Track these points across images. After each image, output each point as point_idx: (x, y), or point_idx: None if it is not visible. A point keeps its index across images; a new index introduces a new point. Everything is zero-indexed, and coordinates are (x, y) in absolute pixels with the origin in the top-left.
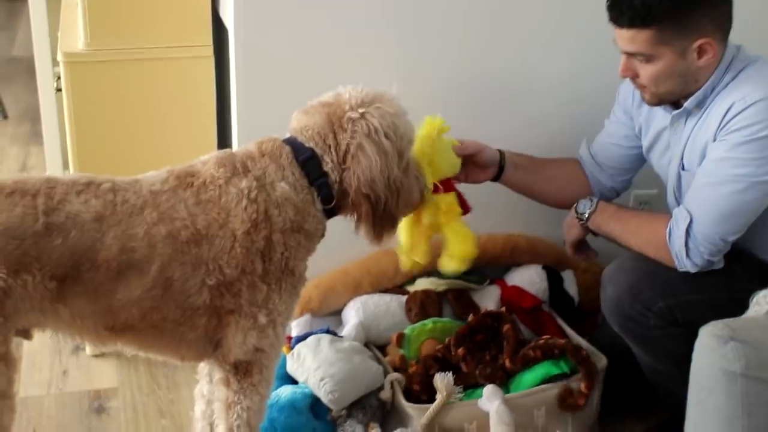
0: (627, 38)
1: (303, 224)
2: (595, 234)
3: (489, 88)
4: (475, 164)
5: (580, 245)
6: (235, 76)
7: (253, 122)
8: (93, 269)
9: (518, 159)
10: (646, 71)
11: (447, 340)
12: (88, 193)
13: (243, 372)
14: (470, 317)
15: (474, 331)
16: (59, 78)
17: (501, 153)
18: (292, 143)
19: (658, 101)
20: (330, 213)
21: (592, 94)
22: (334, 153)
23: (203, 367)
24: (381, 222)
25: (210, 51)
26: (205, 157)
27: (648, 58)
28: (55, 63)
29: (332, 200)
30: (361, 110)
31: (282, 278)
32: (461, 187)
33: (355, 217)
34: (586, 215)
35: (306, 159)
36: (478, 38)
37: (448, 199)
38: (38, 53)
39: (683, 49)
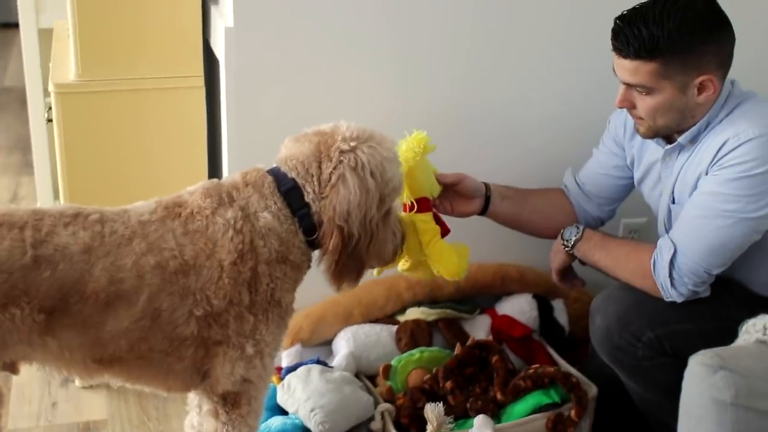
0: (629, 69)
1: (288, 255)
2: (582, 263)
3: (481, 114)
4: (459, 194)
5: (566, 273)
6: (226, 106)
7: (243, 152)
8: (82, 301)
9: (504, 190)
10: (644, 103)
11: (434, 370)
12: (76, 224)
13: (231, 403)
14: (457, 348)
15: (462, 364)
16: (50, 108)
17: (486, 185)
18: (275, 173)
19: (653, 134)
20: (314, 245)
21: (583, 125)
22: (316, 183)
23: (193, 398)
24: (347, 263)
25: (201, 81)
26: (192, 187)
27: (648, 91)
28: (46, 93)
29: (314, 231)
30: (352, 144)
31: (269, 309)
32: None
33: (322, 250)
34: (572, 242)
35: (288, 189)
36: (473, 66)
37: (423, 218)
38: (29, 83)
39: (684, 84)
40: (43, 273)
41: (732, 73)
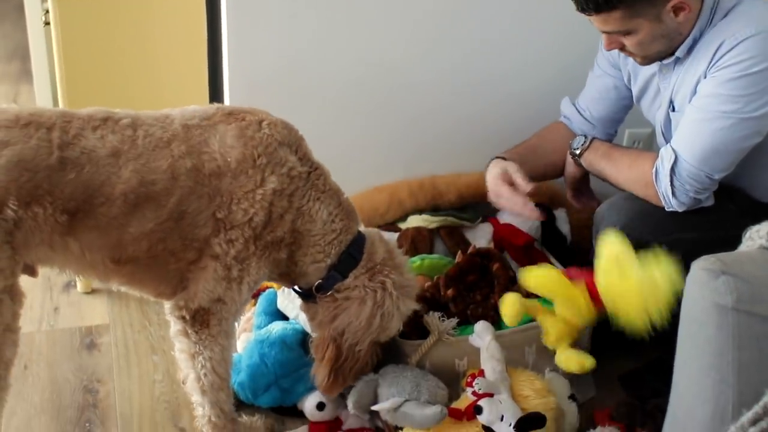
0: (600, 21)
1: (303, 239)
2: (588, 173)
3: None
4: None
5: (580, 189)
6: (225, 5)
7: (244, 49)
8: (108, 203)
9: (516, 156)
10: (629, 41)
11: (435, 278)
12: (105, 128)
13: (200, 323)
14: (459, 256)
15: (463, 272)
16: (48, 12)
17: (502, 158)
18: (361, 238)
19: (650, 62)
20: (308, 296)
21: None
22: (352, 276)
23: None
24: (336, 378)
25: None
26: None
27: (626, 32)
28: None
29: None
30: (392, 290)
31: (269, 249)
32: None
33: (318, 356)
34: (579, 151)
35: (356, 239)
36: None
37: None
38: None
39: (657, 15)
40: (68, 175)
41: None
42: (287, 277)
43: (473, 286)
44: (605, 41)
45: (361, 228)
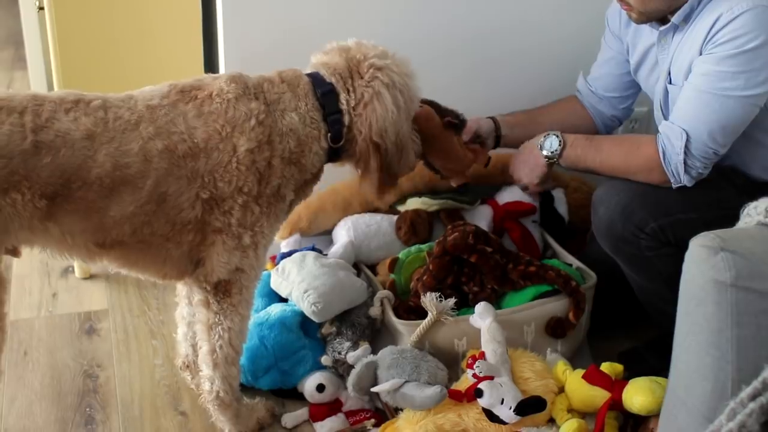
0: None
1: (301, 158)
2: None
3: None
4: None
5: (546, 182)
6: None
7: (239, 35)
8: (85, 187)
9: (512, 119)
10: None
11: (412, 285)
12: (78, 110)
13: (222, 292)
14: (435, 248)
15: (439, 279)
16: None
17: (493, 119)
18: (314, 76)
19: (645, 19)
20: (332, 155)
21: (582, 28)
22: (352, 95)
23: (182, 289)
24: (387, 178)
25: None
26: (218, 74)
27: None
28: None
29: (341, 139)
30: (386, 61)
31: (273, 203)
32: None
33: (362, 168)
34: (557, 152)
35: (325, 92)
36: None
37: None
38: None
39: None
40: (43, 159)
41: None
42: (308, 183)
43: (457, 283)
44: None
45: (307, 69)
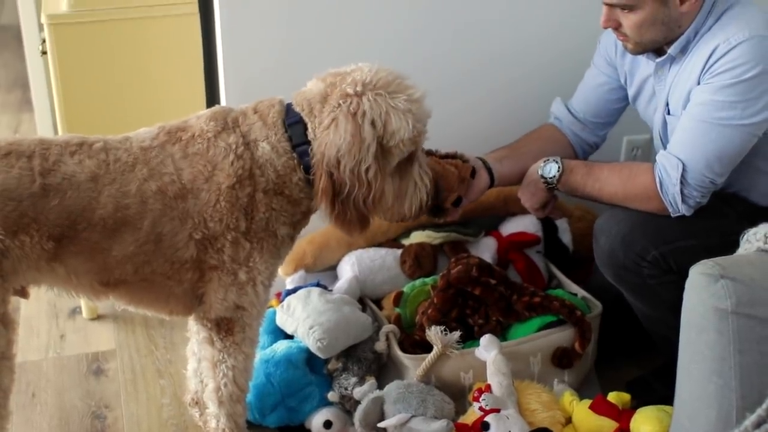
0: None
1: (284, 189)
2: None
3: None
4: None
5: (547, 207)
6: (221, 31)
7: (240, 78)
8: (89, 228)
9: (498, 154)
10: (628, 21)
11: (417, 318)
12: (82, 153)
13: (225, 330)
14: (439, 282)
15: (443, 312)
16: (45, 41)
17: (481, 159)
18: (287, 106)
19: (641, 50)
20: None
21: (570, 50)
22: (317, 123)
23: (193, 325)
24: (344, 211)
25: (195, 8)
26: (202, 112)
27: (630, 8)
28: (41, 28)
29: (311, 169)
30: (359, 89)
31: (264, 238)
32: None
33: (314, 191)
34: (556, 178)
35: (292, 123)
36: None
37: None
38: (24, 18)
39: None
40: (51, 201)
41: None
42: (306, 215)
43: (462, 316)
44: (604, 16)
45: (280, 98)
